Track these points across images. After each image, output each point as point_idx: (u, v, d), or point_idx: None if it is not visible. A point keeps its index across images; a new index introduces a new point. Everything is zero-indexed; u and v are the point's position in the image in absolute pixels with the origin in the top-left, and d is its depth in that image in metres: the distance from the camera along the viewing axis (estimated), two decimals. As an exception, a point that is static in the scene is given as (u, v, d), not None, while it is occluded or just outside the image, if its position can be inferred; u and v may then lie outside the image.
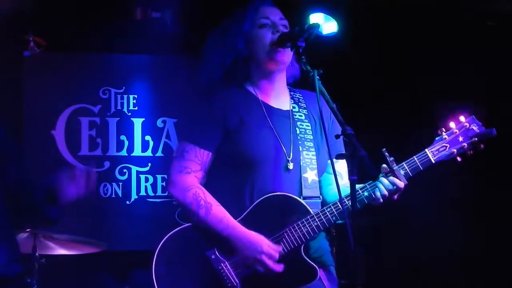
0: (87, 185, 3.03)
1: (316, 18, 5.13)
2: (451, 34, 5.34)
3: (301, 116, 2.98)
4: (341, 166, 2.92)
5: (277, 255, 2.73)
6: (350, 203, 2.48)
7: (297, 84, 3.08)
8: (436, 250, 5.30)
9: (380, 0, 5.19)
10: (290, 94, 3.04)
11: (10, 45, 5.23)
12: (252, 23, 2.93)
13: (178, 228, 2.84)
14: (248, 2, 3.00)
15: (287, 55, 2.89)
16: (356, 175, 2.52)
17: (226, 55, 2.94)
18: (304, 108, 3.01)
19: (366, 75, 5.39)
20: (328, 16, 5.21)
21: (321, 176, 2.95)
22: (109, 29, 5.30)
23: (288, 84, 3.06)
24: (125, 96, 5.76)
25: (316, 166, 2.90)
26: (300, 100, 3.03)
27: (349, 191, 2.41)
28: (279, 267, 2.73)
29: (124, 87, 5.76)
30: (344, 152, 2.58)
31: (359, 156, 2.40)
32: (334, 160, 2.55)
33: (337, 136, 2.49)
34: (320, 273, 2.81)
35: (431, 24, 5.31)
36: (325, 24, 5.18)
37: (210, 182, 2.91)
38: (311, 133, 2.95)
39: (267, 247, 2.72)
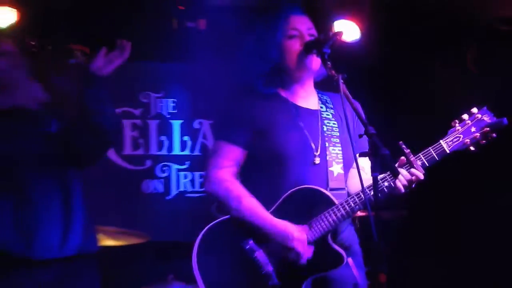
0: (122, 54, 2.95)
1: (340, 25, 5.11)
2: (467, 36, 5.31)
3: (328, 115, 3.04)
4: (366, 161, 2.95)
5: (306, 240, 2.77)
6: (372, 194, 2.51)
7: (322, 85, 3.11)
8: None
9: (402, 9, 5.12)
10: (318, 96, 3.10)
11: (57, 54, 5.27)
12: (282, 33, 2.95)
13: (216, 221, 2.88)
14: (279, 11, 3.02)
15: (315, 63, 2.92)
16: (378, 172, 2.56)
17: (265, 64, 2.97)
18: (331, 108, 3.07)
19: (388, 77, 5.38)
20: (351, 23, 5.19)
21: (348, 169, 2.98)
22: (148, 38, 5.34)
23: (316, 83, 3.09)
24: (164, 100, 5.80)
25: (341, 160, 2.95)
26: (328, 101, 3.09)
27: (371, 184, 2.45)
28: (309, 252, 2.77)
29: (163, 92, 5.80)
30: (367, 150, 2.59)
31: (381, 155, 2.42)
32: (358, 156, 2.59)
33: (361, 136, 2.52)
34: (350, 261, 2.85)
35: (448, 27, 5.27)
36: (349, 31, 5.13)
37: (246, 177, 2.96)
38: (337, 130, 3.01)
39: (297, 234, 2.76)
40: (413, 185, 2.79)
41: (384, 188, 2.76)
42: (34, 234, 2.85)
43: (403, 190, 2.77)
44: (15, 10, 4.79)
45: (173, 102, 5.82)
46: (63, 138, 3.01)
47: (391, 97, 5.24)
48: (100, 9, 5.02)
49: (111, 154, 5.58)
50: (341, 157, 2.95)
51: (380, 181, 2.75)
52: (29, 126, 3.01)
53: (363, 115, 2.91)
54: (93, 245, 3.08)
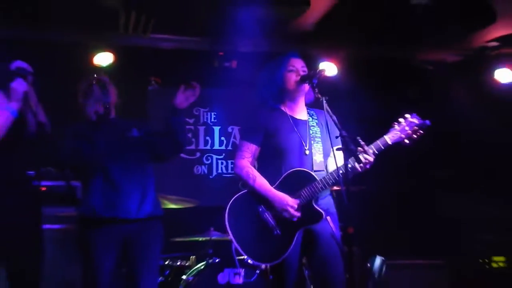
0: (194, 94, 3.05)
1: (324, 65, 5.12)
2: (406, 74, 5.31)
3: (313, 123, 3.03)
4: (339, 153, 2.93)
5: (296, 206, 2.77)
6: (342, 173, 2.57)
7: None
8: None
9: (361, 58, 5.21)
10: (307, 111, 3.08)
11: (139, 84, 5.30)
12: (285, 68, 2.98)
13: (240, 193, 2.89)
14: (283, 55, 3.04)
15: (305, 87, 2.95)
16: (348, 160, 2.53)
17: (273, 88, 2.99)
18: (316, 119, 3.06)
19: (356, 99, 5.36)
20: (331, 64, 5.19)
21: (326, 159, 2.96)
22: (199, 73, 5.32)
23: (306, 105, 3.08)
24: (209, 113, 5.78)
25: (322, 152, 2.95)
26: (313, 114, 3.09)
27: (342, 167, 2.53)
28: (298, 213, 2.78)
29: (208, 107, 5.79)
30: (340, 146, 2.61)
31: (350, 149, 2.42)
32: (335, 150, 2.58)
33: (337, 137, 2.55)
34: (328, 218, 2.83)
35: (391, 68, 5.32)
36: (329, 69, 5.15)
37: (259, 164, 2.95)
38: (319, 133, 3.00)
39: (290, 201, 2.78)
40: (368, 166, 2.75)
41: (349, 169, 2.73)
42: (117, 203, 2.87)
43: (359, 170, 2.75)
44: (112, 54, 4.82)
45: (215, 114, 5.78)
46: (142, 141, 3.02)
47: (356, 109, 5.21)
48: (170, 56, 5.09)
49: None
50: (321, 151, 2.94)
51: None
52: (117, 131, 3.02)
53: (338, 123, 2.92)
54: (159, 211, 3.05)
